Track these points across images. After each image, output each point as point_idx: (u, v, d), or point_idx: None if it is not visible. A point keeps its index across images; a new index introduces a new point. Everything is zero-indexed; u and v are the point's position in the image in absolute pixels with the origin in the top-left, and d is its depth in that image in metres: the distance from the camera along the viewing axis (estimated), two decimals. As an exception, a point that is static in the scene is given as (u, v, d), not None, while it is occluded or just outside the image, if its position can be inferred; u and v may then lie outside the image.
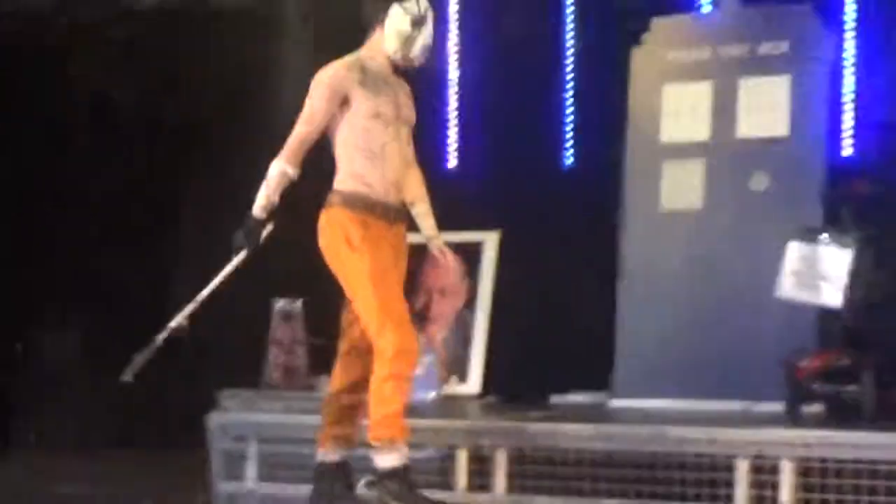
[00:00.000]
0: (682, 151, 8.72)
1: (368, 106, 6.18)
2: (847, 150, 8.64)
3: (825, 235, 7.17)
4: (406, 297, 8.42)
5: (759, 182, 8.20)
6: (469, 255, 9.50)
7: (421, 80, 9.44)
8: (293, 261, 9.80)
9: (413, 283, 9.48)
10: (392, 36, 6.27)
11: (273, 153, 6.15)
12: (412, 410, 8.10)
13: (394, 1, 6.28)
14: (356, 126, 6.19)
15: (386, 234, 6.20)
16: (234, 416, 8.09)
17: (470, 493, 7.05)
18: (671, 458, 6.67)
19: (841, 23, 8.67)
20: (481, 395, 9.21)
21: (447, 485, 7.12)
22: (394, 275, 6.25)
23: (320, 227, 6.21)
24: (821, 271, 7.07)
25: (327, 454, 6.39)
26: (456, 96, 9.78)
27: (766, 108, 8.42)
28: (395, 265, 6.26)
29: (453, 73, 9.82)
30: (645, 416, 7.63)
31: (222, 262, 6.36)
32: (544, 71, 9.55)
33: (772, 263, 7.26)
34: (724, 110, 8.64)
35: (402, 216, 6.37)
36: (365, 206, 6.15)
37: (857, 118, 8.62)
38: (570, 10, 9.57)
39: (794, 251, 7.20)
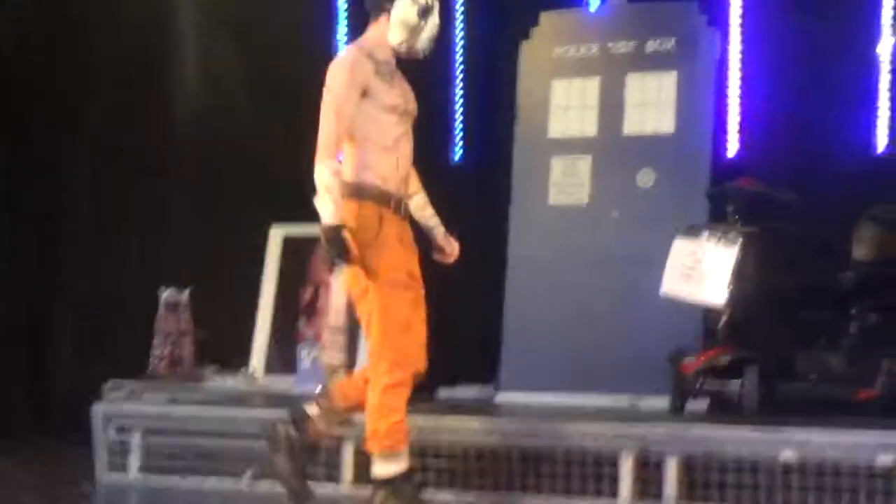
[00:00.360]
0: (570, 147, 8.77)
1: (384, 97, 6.04)
2: (732, 147, 8.73)
3: (710, 232, 7.24)
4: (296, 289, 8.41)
5: (646, 178, 8.27)
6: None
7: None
8: (181, 250, 9.83)
9: (303, 277, 9.55)
10: (397, 25, 6.11)
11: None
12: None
13: None
14: (372, 117, 6.02)
15: (397, 229, 6.06)
16: (117, 406, 8.02)
17: (355, 485, 7.06)
18: (556, 453, 6.70)
19: (726, 21, 8.75)
20: (369, 387, 9.18)
21: (336, 477, 7.12)
22: (404, 275, 6.06)
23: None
24: (705, 268, 7.15)
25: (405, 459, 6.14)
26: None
27: (652, 105, 8.49)
28: (406, 261, 6.09)
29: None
30: (531, 410, 7.70)
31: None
32: (432, 65, 9.52)
33: (658, 259, 7.33)
34: (611, 106, 8.71)
35: (409, 212, 6.25)
36: (381, 200, 6.01)
37: (742, 116, 8.71)
38: (458, 4, 9.54)
39: (679, 247, 7.27)
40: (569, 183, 8.72)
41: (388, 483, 5.99)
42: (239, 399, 8.32)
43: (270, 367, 9.39)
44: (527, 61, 9.04)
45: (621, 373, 7.91)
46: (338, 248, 5.81)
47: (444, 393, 8.67)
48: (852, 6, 8.53)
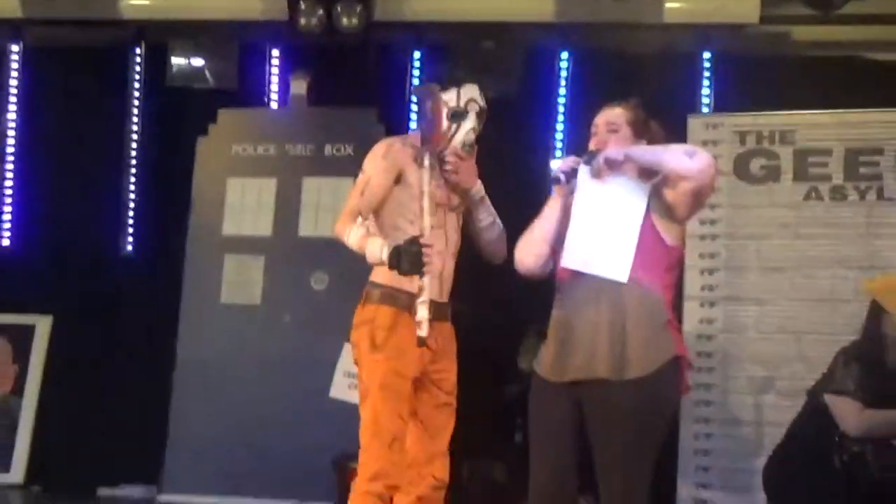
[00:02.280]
0: (244, 245, 8.81)
1: (419, 186, 5.70)
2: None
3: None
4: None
5: (320, 281, 8.36)
6: (20, 339, 9.37)
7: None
8: None
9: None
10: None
11: None
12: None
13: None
14: (403, 204, 5.82)
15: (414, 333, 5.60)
16: None
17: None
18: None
19: (407, 128, 8.81)
20: (26, 485, 8.99)
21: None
22: (406, 386, 5.75)
23: (354, 323, 5.78)
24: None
25: None
26: (11, 173, 9.55)
27: (328, 208, 8.54)
28: (414, 369, 5.74)
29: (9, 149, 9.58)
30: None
31: None
32: (111, 156, 9.46)
33: (329, 362, 7.40)
34: (287, 208, 8.79)
35: (443, 313, 5.87)
36: (398, 302, 5.68)
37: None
38: (135, 94, 9.50)
39: (348, 352, 7.33)
40: (241, 282, 8.75)
41: None
42: None
43: None
44: (203, 157, 9.06)
45: (288, 477, 7.91)
46: (411, 259, 5.49)
47: (104, 492, 8.57)
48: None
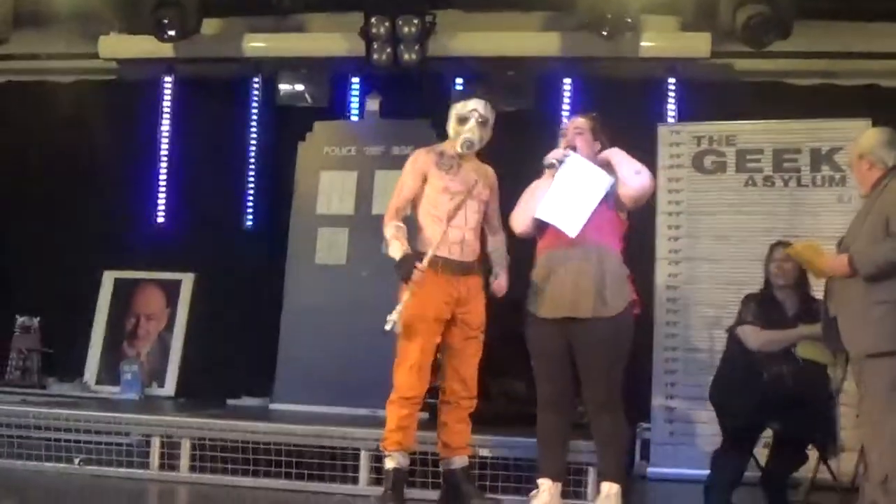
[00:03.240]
0: (333, 221, 8.77)
1: (438, 182, 5.92)
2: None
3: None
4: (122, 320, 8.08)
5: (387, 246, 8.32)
6: (171, 290, 9.38)
7: (142, 156, 9.39)
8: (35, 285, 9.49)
9: (128, 309, 9.34)
10: (451, 130, 6.06)
11: None
12: (120, 406, 7.94)
13: (452, 104, 6.08)
14: (428, 196, 5.93)
15: (430, 283, 5.78)
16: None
17: (161, 471, 6.89)
18: (314, 449, 6.68)
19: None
20: (175, 397, 9.03)
21: (146, 465, 6.93)
22: (433, 326, 5.85)
23: None
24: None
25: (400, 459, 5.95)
26: (165, 169, 9.56)
27: (394, 193, 8.49)
28: (429, 309, 5.84)
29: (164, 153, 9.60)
30: (298, 416, 7.64)
31: None
32: (236, 156, 9.47)
33: (394, 305, 7.32)
34: (364, 193, 8.76)
35: (468, 270, 5.96)
36: (427, 262, 5.78)
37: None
38: (254, 111, 9.47)
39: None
40: (331, 247, 8.71)
41: (384, 476, 5.95)
42: (74, 403, 8.04)
43: (100, 379, 9.15)
44: (302, 157, 9.03)
45: (368, 390, 7.79)
46: (405, 271, 5.72)
47: (231, 402, 8.58)
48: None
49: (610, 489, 5.68)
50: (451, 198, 5.92)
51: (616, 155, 5.78)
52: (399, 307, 5.74)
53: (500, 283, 6.12)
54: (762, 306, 6.45)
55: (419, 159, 6.00)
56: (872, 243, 5.54)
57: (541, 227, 5.82)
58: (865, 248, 5.55)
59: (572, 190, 5.64)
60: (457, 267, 5.93)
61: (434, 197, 5.93)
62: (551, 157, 5.77)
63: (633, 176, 5.71)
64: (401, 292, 5.82)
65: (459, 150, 6.02)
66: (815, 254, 5.89)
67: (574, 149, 5.78)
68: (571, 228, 5.62)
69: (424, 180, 5.96)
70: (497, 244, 6.20)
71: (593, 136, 5.88)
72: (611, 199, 5.72)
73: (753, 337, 6.33)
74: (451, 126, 6.06)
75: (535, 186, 5.87)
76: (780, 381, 6.14)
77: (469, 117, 6.04)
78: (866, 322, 5.48)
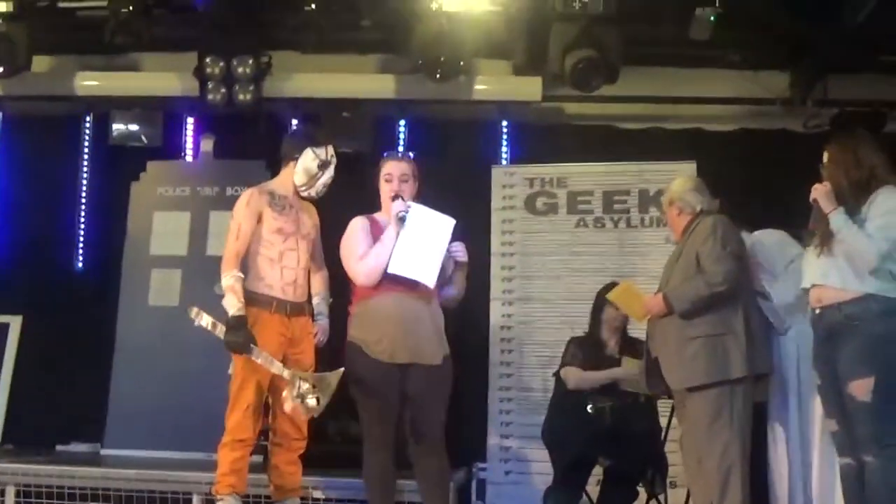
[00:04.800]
0: (166, 262, 8.65)
1: (272, 223, 5.83)
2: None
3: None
4: None
5: (220, 288, 8.21)
6: (-2, 334, 9.09)
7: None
8: None
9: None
10: (301, 172, 5.92)
11: None
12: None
13: (308, 145, 5.94)
14: (261, 237, 5.83)
15: (276, 326, 5.77)
16: None
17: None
18: (143, 494, 6.54)
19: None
20: (1, 444, 8.66)
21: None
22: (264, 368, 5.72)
23: None
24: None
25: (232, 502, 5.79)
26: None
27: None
28: (281, 353, 5.79)
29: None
30: (129, 461, 7.47)
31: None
32: (67, 194, 9.24)
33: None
34: (198, 234, 8.67)
35: (300, 310, 5.95)
36: (261, 303, 5.76)
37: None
38: (85, 150, 9.27)
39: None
40: (164, 289, 8.59)
41: None
42: None
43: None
44: (136, 197, 8.91)
45: (200, 433, 7.69)
46: (240, 335, 5.62)
47: (60, 447, 8.35)
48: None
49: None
50: (284, 239, 5.90)
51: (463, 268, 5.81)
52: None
53: (324, 326, 6.13)
54: (583, 348, 6.64)
55: (252, 200, 5.93)
56: (685, 281, 5.72)
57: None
58: (678, 286, 5.73)
59: (421, 241, 5.62)
60: (290, 307, 5.90)
61: (267, 237, 5.88)
62: (400, 211, 5.72)
63: (462, 290, 5.82)
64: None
65: (310, 194, 6.05)
66: (632, 296, 6.08)
67: (401, 197, 5.74)
68: (429, 279, 5.62)
69: (258, 220, 5.91)
70: (320, 285, 6.21)
71: (418, 180, 5.90)
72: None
73: (572, 377, 6.52)
74: (303, 165, 5.98)
75: (373, 234, 5.80)
76: (602, 416, 6.29)
77: (330, 163, 6.05)
78: (683, 357, 5.65)
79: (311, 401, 5.61)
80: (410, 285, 5.61)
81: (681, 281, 5.75)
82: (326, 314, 6.15)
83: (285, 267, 5.88)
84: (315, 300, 6.14)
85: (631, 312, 6.16)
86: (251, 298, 5.78)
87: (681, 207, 6.01)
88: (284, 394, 5.67)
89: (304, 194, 6.04)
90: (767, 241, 6.06)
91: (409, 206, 5.67)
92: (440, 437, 5.65)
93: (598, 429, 6.24)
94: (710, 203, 5.97)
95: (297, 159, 5.97)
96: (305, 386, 5.64)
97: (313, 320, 6.09)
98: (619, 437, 6.21)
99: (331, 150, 6.07)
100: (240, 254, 5.82)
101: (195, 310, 5.73)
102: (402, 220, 5.62)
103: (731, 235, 5.75)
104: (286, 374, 5.66)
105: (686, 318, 5.66)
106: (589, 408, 6.29)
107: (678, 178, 6.26)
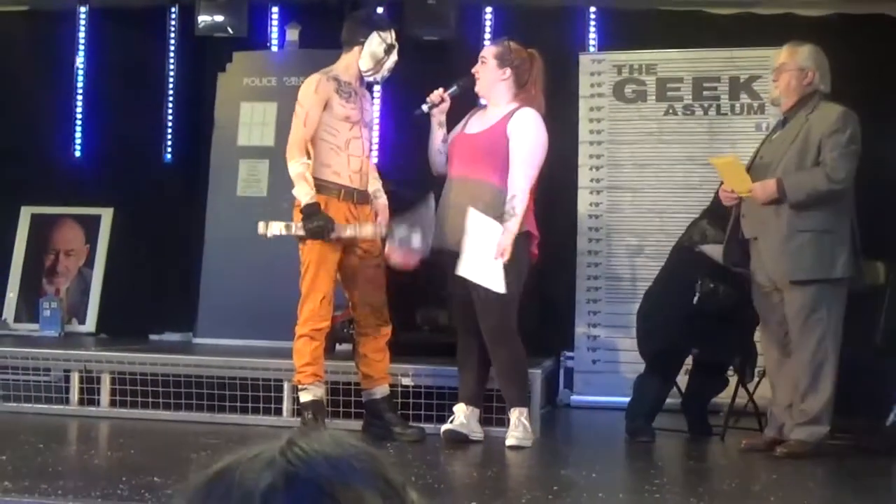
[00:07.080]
0: (253, 153, 8.60)
1: (339, 110, 5.80)
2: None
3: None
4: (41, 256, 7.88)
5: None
6: (90, 225, 9.18)
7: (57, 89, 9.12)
8: None
9: (47, 246, 9.14)
10: (367, 56, 5.87)
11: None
12: (40, 342, 7.78)
13: (373, 30, 5.89)
14: (327, 124, 5.81)
15: (343, 213, 5.79)
16: None
17: (80, 406, 6.79)
18: (236, 381, 6.59)
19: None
20: (96, 333, 8.87)
21: (65, 400, 6.81)
22: (333, 256, 5.78)
23: None
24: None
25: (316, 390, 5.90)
26: (81, 102, 9.31)
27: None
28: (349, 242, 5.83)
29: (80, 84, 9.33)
30: (220, 349, 7.57)
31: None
32: (154, 87, 9.24)
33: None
34: (285, 124, 8.39)
35: (366, 199, 5.95)
36: (328, 191, 5.77)
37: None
38: (171, 42, 9.24)
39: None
40: (252, 179, 8.57)
41: (301, 408, 5.92)
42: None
43: (19, 317, 8.98)
44: (223, 88, 8.83)
45: (288, 323, 7.77)
46: (321, 219, 5.66)
47: (153, 337, 8.48)
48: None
49: (519, 415, 5.69)
50: (350, 127, 5.87)
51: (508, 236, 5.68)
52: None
53: (384, 203, 6.07)
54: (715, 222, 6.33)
55: (320, 87, 5.88)
56: (800, 171, 5.52)
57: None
58: (795, 176, 5.53)
59: (479, 247, 5.61)
60: (357, 195, 5.91)
61: (334, 125, 5.85)
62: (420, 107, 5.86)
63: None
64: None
65: (376, 79, 6.03)
66: (737, 169, 5.77)
67: (473, 81, 5.78)
68: (497, 285, 5.58)
69: (326, 107, 5.83)
70: (372, 168, 6.19)
71: (500, 63, 5.80)
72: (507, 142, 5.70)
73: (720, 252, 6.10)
74: (370, 50, 5.91)
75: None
76: (712, 296, 6.04)
77: (395, 46, 5.96)
78: (789, 248, 5.50)
79: (416, 242, 5.59)
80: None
81: (796, 168, 5.55)
82: (383, 192, 6.13)
83: (352, 155, 5.86)
84: (373, 187, 6.10)
85: (732, 183, 5.76)
86: (319, 186, 5.78)
87: (812, 79, 5.67)
88: (387, 250, 5.70)
89: (370, 79, 6.02)
90: None
91: (425, 108, 5.87)
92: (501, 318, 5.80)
93: (700, 312, 6.02)
94: (828, 87, 5.72)
95: (362, 44, 5.90)
96: (403, 230, 5.64)
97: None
98: (717, 323, 6.06)
99: (394, 33, 6.00)
100: (306, 142, 5.80)
101: (261, 223, 5.76)
102: (421, 114, 5.85)
103: (858, 134, 5.53)
104: (382, 229, 5.70)
105: (796, 210, 5.48)
106: (697, 292, 6.05)
107: (816, 48, 5.82)
